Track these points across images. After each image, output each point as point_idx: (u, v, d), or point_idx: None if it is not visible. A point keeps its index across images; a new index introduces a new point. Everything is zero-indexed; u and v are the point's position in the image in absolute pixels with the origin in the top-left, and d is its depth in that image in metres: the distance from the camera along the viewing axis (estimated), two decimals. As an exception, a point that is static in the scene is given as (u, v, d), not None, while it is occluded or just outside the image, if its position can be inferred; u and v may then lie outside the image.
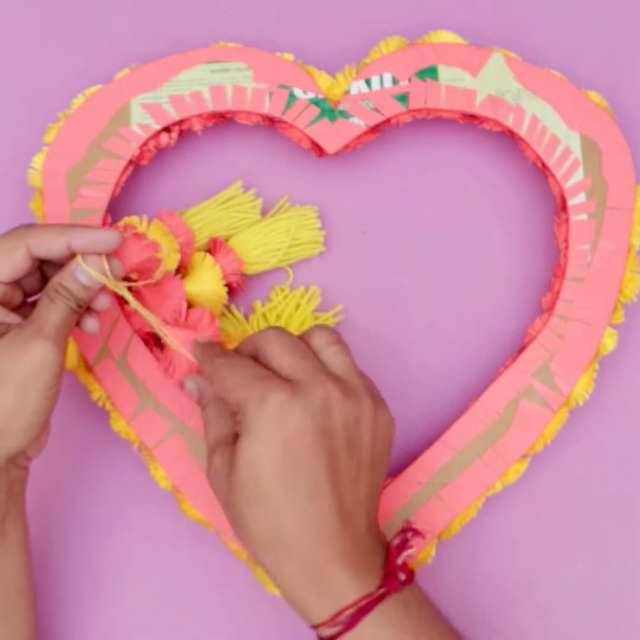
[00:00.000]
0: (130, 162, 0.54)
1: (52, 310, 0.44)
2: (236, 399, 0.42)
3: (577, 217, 0.54)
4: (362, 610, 0.41)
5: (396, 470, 0.54)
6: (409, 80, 0.54)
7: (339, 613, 0.41)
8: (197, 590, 0.55)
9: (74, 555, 0.54)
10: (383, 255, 0.57)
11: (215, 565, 0.54)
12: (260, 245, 0.55)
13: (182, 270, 0.54)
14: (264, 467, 0.41)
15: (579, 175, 0.54)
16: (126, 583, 0.54)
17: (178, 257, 0.53)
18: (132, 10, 0.59)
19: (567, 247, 0.54)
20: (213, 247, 0.55)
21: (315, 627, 0.42)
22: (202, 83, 0.54)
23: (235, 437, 0.43)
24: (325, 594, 0.42)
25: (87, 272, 0.45)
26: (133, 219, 0.54)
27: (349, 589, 0.41)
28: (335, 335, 0.45)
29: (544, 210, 0.57)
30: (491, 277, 0.57)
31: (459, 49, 0.55)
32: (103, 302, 0.47)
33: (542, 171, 0.55)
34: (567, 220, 0.54)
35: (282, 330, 0.45)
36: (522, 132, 0.54)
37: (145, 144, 0.54)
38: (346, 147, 0.55)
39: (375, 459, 0.44)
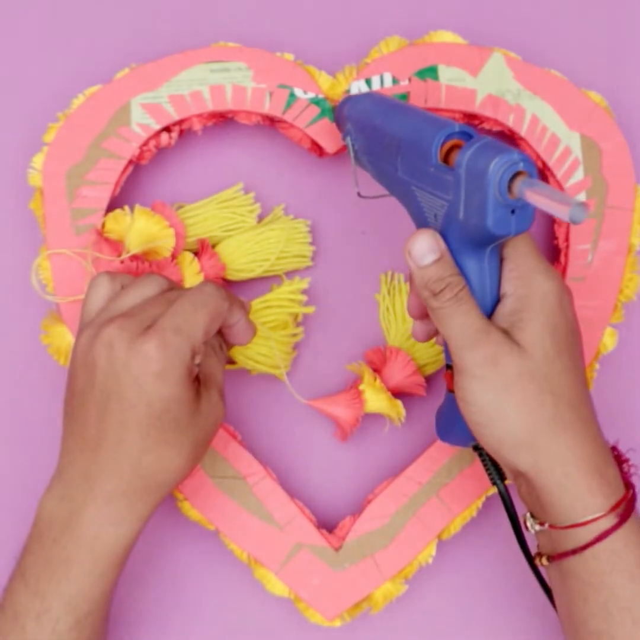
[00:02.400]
0: (131, 161, 0.54)
1: (222, 371, 0.48)
2: (528, 264, 0.43)
3: (578, 217, 0.54)
4: (632, 503, 0.42)
5: (396, 471, 0.54)
6: (409, 80, 0.54)
7: (619, 503, 0.42)
8: (197, 591, 0.55)
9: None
10: (379, 254, 0.57)
11: (215, 565, 0.54)
12: (249, 253, 0.55)
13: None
14: (562, 335, 0.42)
15: (579, 174, 0.54)
16: (125, 583, 0.54)
17: (173, 241, 0.53)
18: (132, 10, 0.59)
19: (567, 247, 0.54)
20: (200, 249, 0.54)
21: (585, 523, 0.41)
22: (202, 83, 0.54)
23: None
24: (611, 481, 0.42)
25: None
26: (117, 213, 0.53)
27: (619, 482, 0.43)
28: None
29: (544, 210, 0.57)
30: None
31: (459, 48, 0.55)
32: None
33: (543, 171, 0.55)
34: (567, 220, 0.54)
35: None
36: (523, 131, 0.54)
37: (145, 143, 0.54)
38: (346, 147, 0.55)
39: None
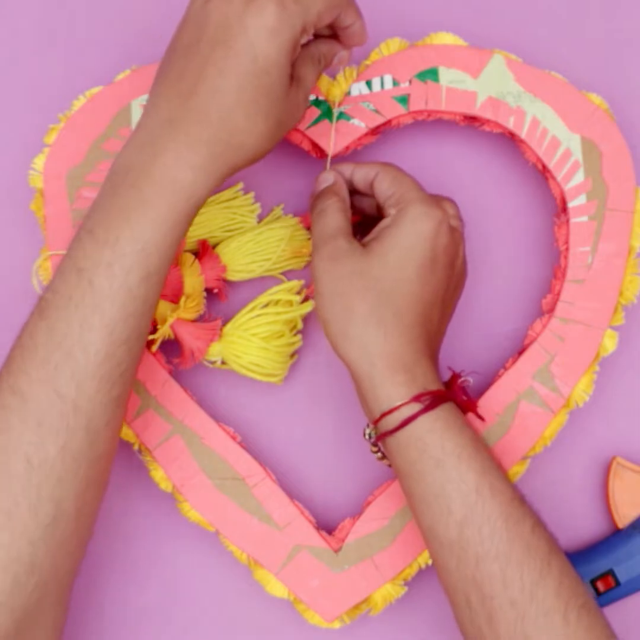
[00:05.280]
0: (131, 163, 0.54)
1: (311, 73, 0.49)
2: (408, 195, 0.49)
3: (578, 219, 0.54)
4: (440, 398, 0.46)
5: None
6: (410, 81, 0.54)
7: (422, 394, 0.46)
8: (196, 592, 0.55)
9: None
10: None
11: (215, 567, 0.54)
12: (249, 254, 0.55)
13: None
14: (416, 252, 0.47)
15: (579, 177, 0.54)
16: (125, 585, 0.54)
17: None
18: (133, 11, 0.59)
19: (567, 249, 0.54)
20: (200, 250, 0.55)
21: (390, 411, 0.46)
22: (203, 84, 0.54)
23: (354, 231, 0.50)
24: (417, 377, 0.46)
25: None
26: None
27: (433, 379, 0.47)
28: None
29: (544, 212, 0.57)
30: (491, 279, 0.57)
31: (460, 50, 0.55)
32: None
33: (543, 173, 0.55)
34: (567, 222, 0.54)
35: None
36: (523, 134, 0.54)
37: (146, 145, 0.54)
38: (347, 148, 0.55)
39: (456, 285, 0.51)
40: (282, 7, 0.44)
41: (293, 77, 0.47)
